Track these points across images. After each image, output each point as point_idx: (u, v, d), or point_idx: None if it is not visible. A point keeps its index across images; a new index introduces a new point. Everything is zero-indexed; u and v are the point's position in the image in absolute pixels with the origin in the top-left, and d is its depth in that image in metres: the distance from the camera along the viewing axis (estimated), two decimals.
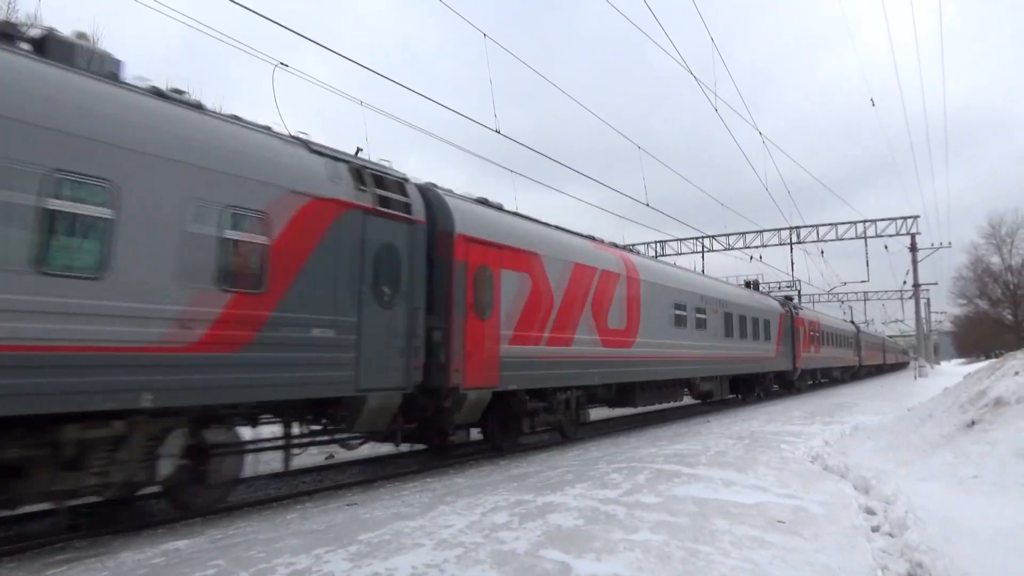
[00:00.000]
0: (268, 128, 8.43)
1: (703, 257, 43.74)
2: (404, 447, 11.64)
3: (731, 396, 24.18)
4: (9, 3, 18.73)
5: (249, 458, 8.36)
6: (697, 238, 43.53)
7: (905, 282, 48.92)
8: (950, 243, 49.24)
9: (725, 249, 43.25)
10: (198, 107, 7.65)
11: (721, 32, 20.66)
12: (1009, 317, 64.48)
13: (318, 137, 9.08)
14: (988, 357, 65.31)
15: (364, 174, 9.23)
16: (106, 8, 38.58)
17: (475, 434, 12.91)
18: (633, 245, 40.59)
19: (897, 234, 40.70)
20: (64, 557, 6.08)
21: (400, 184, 9.88)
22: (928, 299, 67.32)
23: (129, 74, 7.21)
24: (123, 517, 8.08)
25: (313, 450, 10.13)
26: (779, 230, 41.63)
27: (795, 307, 30.98)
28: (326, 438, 9.34)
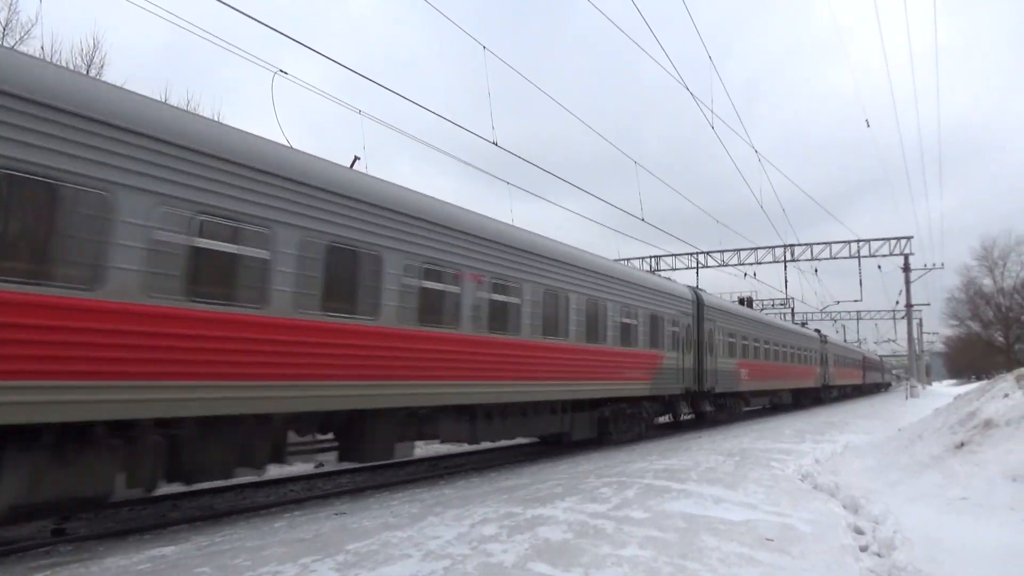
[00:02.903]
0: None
1: (697, 273, 43.91)
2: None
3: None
4: (10, 5, 18.81)
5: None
6: (692, 253, 43.68)
7: (898, 302, 49.15)
8: (943, 264, 49.78)
9: (719, 265, 43.41)
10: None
11: (712, 45, 20.81)
12: (1000, 339, 64.77)
13: (313, 147, 9.13)
14: (979, 378, 65.62)
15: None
16: (99, 7, 38.56)
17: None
18: (628, 259, 40.72)
19: (891, 254, 40.98)
20: (49, 562, 6.03)
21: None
22: (920, 319, 67.71)
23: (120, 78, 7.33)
24: (108, 522, 8.03)
25: (309, 461, 12.48)
26: (773, 247, 41.84)
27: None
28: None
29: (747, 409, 26.66)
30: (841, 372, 43.82)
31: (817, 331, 39.55)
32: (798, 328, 35.33)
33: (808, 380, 33.73)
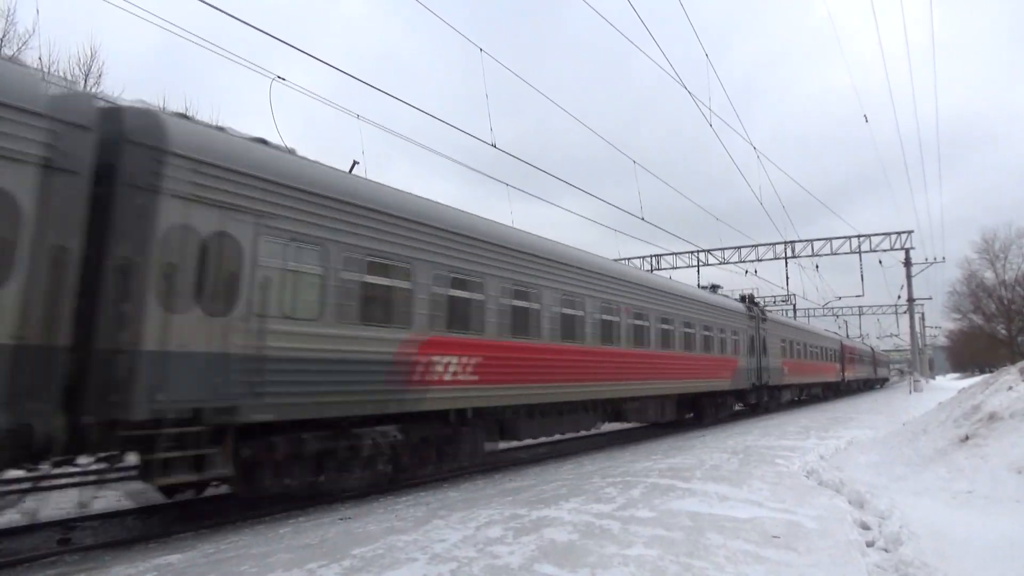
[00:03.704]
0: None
1: (698, 271, 43.84)
2: None
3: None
4: (7, 16, 18.86)
5: None
6: (692, 252, 43.68)
7: (900, 296, 49.16)
8: (944, 258, 49.62)
9: (720, 263, 43.39)
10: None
11: (709, 44, 20.83)
12: (1003, 332, 64.72)
13: (311, 151, 9.15)
14: (983, 371, 65.52)
15: None
16: (93, 12, 38.70)
17: None
18: (629, 259, 40.72)
19: (891, 249, 40.97)
20: (55, 572, 6.05)
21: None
22: (923, 314, 67.65)
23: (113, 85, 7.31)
24: (114, 531, 8.03)
25: None
26: (774, 244, 41.80)
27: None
28: None
29: (513, 445, 13.73)
30: (799, 366, 30.66)
31: (749, 299, 26.53)
32: (680, 285, 21.42)
33: (720, 379, 21.28)
